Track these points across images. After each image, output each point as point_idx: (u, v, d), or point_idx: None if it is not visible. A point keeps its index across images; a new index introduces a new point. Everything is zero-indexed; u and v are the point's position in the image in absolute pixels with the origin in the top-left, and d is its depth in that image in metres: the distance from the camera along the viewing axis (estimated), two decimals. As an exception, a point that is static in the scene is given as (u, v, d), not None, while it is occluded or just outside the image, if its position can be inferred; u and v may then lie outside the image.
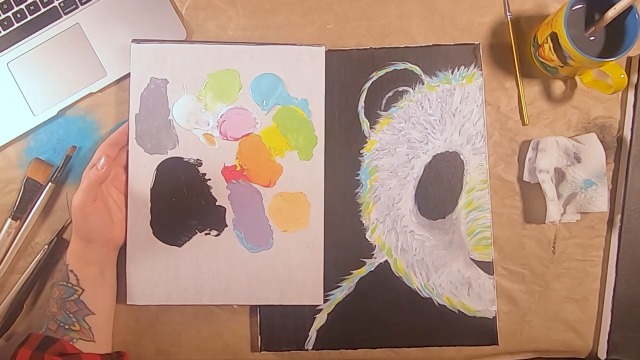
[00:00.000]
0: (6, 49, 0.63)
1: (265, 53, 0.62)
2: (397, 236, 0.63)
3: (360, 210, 0.63)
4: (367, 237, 0.63)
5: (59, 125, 0.64)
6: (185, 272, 0.61)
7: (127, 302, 0.61)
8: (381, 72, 0.64)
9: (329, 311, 0.63)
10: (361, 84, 0.64)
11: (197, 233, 0.61)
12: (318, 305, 0.63)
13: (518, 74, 0.64)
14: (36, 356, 0.53)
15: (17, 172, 0.64)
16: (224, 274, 0.61)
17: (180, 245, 0.61)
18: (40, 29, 0.63)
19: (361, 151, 0.64)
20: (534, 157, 0.63)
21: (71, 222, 0.62)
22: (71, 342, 0.56)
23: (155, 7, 0.64)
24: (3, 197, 0.63)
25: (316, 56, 0.62)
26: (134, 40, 0.61)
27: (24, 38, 0.63)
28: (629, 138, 0.63)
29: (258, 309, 0.63)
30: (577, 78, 0.63)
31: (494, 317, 0.63)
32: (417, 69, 0.64)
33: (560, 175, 0.63)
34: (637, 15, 0.56)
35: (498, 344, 0.63)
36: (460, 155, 0.63)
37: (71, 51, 0.63)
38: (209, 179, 0.62)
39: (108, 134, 0.62)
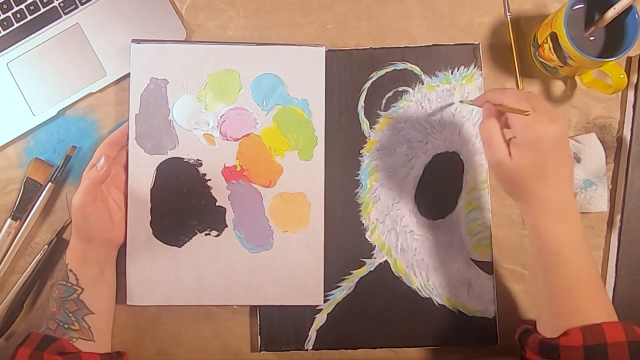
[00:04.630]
0: (6, 49, 0.63)
1: (265, 53, 0.62)
2: (397, 236, 0.63)
3: (360, 210, 0.63)
4: (367, 237, 0.63)
5: (59, 125, 0.64)
6: (185, 272, 0.61)
7: (127, 303, 0.61)
8: (381, 72, 0.64)
9: (328, 311, 0.63)
10: (361, 84, 0.64)
11: (197, 233, 0.61)
12: (318, 305, 0.63)
13: (518, 74, 0.64)
14: (35, 355, 0.53)
15: (17, 172, 0.64)
16: (224, 275, 0.61)
17: (180, 246, 0.61)
18: (40, 29, 0.63)
19: (361, 151, 0.64)
20: (534, 157, 0.63)
21: (71, 222, 0.62)
22: (71, 342, 0.56)
23: (155, 7, 0.64)
24: (3, 197, 0.64)
25: (316, 56, 0.62)
26: (133, 41, 0.61)
27: (24, 38, 0.63)
28: (628, 138, 0.63)
29: (258, 309, 0.63)
30: (577, 78, 0.63)
31: (494, 317, 0.63)
32: (417, 69, 0.64)
33: (560, 175, 0.63)
34: (637, 15, 0.57)
35: (498, 344, 0.63)
36: (460, 155, 0.63)
37: (71, 51, 0.63)
38: (209, 179, 0.62)
39: (108, 134, 0.62)
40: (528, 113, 0.49)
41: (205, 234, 0.61)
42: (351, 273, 0.63)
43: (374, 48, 0.64)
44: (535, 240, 0.53)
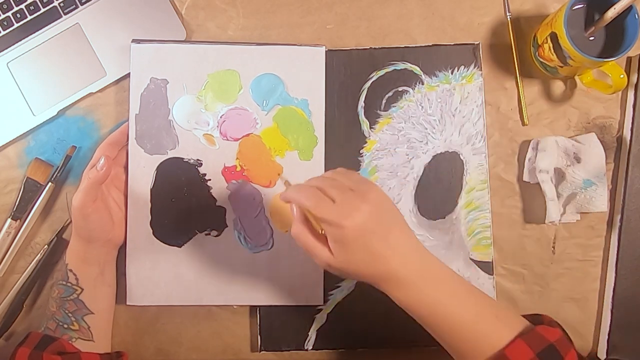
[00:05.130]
0: (6, 49, 0.63)
1: (265, 53, 0.62)
2: (397, 236, 0.63)
3: (360, 210, 0.63)
4: (367, 237, 0.63)
5: (59, 125, 0.64)
6: (185, 272, 0.61)
7: (127, 303, 0.61)
8: (381, 72, 0.64)
9: (328, 311, 0.63)
10: (361, 84, 0.64)
11: (197, 233, 0.61)
12: (318, 305, 0.63)
13: (518, 74, 0.64)
14: (35, 355, 0.53)
15: (17, 172, 0.64)
16: (224, 275, 0.61)
17: (180, 246, 0.61)
18: (40, 29, 0.63)
19: (361, 151, 0.64)
20: (534, 157, 0.63)
21: (71, 222, 0.62)
22: (70, 342, 0.56)
23: (155, 7, 0.64)
24: (3, 197, 0.63)
25: (316, 56, 0.62)
26: (134, 40, 0.61)
27: (24, 38, 0.63)
28: (628, 138, 0.63)
29: (258, 309, 0.63)
30: (577, 78, 0.63)
31: (494, 317, 0.62)
32: (417, 69, 0.64)
33: (560, 175, 0.63)
34: (637, 15, 0.56)
35: (498, 344, 0.62)
36: (460, 155, 0.63)
37: (71, 51, 0.63)
38: (209, 180, 0.62)
39: (108, 134, 0.62)
40: (322, 231, 0.47)
41: (205, 234, 0.61)
42: (351, 273, 0.63)
43: (374, 48, 0.64)
44: (408, 311, 0.49)
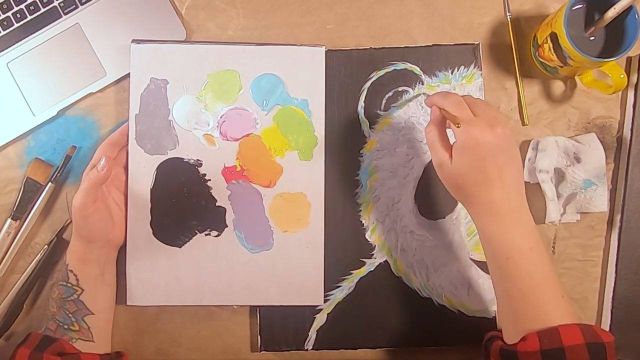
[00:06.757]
0: (6, 49, 0.63)
1: (265, 53, 0.62)
2: (397, 236, 0.63)
3: (360, 210, 0.63)
4: (366, 237, 0.63)
5: (59, 125, 0.64)
6: (186, 272, 0.61)
7: (127, 303, 0.61)
8: (381, 72, 0.64)
9: (328, 311, 0.63)
10: (361, 84, 0.64)
11: (197, 234, 0.61)
12: (318, 305, 0.63)
13: (518, 74, 0.64)
14: (35, 355, 0.53)
15: (17, 172, 0.64)
16: (224, 275, 0.61)
17: (180, 246, 0.61)
18: (40, 29, 0.63)
19: (361, 151, 0.64)
20: (534, 157, 0.63)
21: (71, 222, 0.62)
22: (70, 342, 0.56)
23: (155, 7, 0.64)
24: (3, 197, 0.64)
25: (316, 56, 0.62)
26: (134, 41, 0.61)
27: (24, 38, 0.63)
28: (628, 138, 0.63)
29: (258, 309, 0.63)
30: (577, 78, 0.63)
31: (494, 317, 0.63)
32: (417, 69, 0.64)
33: (560, 175, 0.63)
34: (637, 15, 0.57)
35: (498, 344, 0.62)
36: (460, 156, 0.63)
37: (71, 51, 0.63)
38: (209, 180, 0.62)
39: (108, 134, 0.62)
40: (459, 125, 0.49)
41: (205, 234, 0.61)
42: (351, 273, 0.63)
43: (374, 48, 0.64)
44: (485, 245, 0.52)
